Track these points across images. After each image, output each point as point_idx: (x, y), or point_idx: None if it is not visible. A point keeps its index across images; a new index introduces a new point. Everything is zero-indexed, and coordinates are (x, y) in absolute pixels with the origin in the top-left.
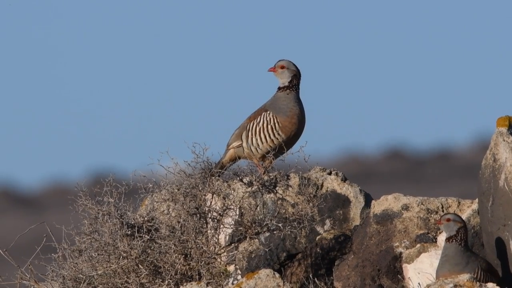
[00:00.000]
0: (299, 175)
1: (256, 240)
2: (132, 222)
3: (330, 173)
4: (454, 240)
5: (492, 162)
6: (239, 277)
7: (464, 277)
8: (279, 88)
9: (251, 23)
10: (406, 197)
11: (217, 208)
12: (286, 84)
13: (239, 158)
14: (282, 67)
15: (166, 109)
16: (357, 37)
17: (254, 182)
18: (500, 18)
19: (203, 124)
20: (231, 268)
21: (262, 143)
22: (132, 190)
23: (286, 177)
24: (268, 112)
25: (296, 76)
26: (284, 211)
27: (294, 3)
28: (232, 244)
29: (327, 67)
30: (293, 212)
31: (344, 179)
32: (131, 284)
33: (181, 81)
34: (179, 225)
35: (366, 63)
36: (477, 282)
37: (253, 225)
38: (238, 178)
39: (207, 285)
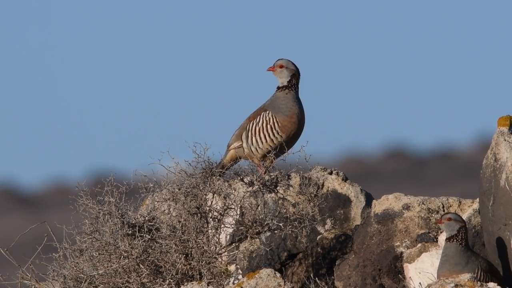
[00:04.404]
0: (300, 175)
1: (257, 239)
2: (133, 222)
3: (331, 173)
4: (455, 240)
5: (493, 161)
6: (240, 276)
7: (465, 277)
8: (278, 88)
9: (251, 23)
10: (407, 197)
11: (218, 207)
12: (285, 83)
13: (240, 158)
14: (281, 66)
15: (167, 109)
16: (358, 36)
17: (255, 182)
18: (500, 18)
19: (204, 123)
20: (232, 267)
21: (262, 143)
22: (133, 190)
23: (287, 176)
24: (268, 111)
25: (295, 75)
26: (285, 210)
27: (294, 3)
28: (233, 244)
29: (327, 67)
30: (294, 212)
31: (345, 179)
32: (132, 284)
33: (181, 81)
34: (180, 225)
35: (367, 62)
36: (478, 282)
37: (254, 224)
38: (239, 178)
39: (208, 285)
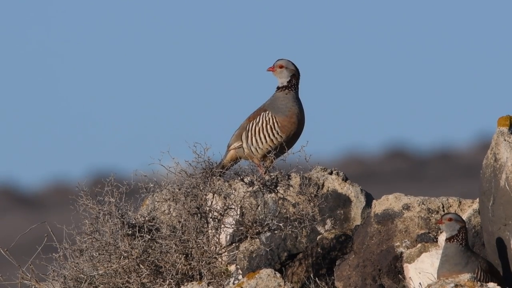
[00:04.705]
0: (300, 175)
1: (257, 239)
2: (133, 222)
3: (331, 173)
4: (455, 240)
5: (493, 161)
6: (240, 277)
7: (465, 277)
8: (278, 88)
9: (251, 23)
10: (407, 197)
11: (218, 207)
12: (285, 83)
13: (240, 158)
14: (281, 67)
15: (167, 109)
16: (358, 36)
17: (255, 182)
18: (500, 18)
19: (204, 123)
20: (232, 268)
21: (262, 143)
22: (133, 190)
23: (287, 176)
24: (267, 112)
25: (295, 75)
26: (285, 210)
27: (294, 3)
28: (233, 244)
29: (327, 67)
30: (294, 212)
31: (345, 179)
32: (132, 284)
33: (181, 81)
34: (180, 225)
35: (367, 62)
36: (478, 282)
37: (254, 224)
38: (239, 178)
39: (208, 285)
